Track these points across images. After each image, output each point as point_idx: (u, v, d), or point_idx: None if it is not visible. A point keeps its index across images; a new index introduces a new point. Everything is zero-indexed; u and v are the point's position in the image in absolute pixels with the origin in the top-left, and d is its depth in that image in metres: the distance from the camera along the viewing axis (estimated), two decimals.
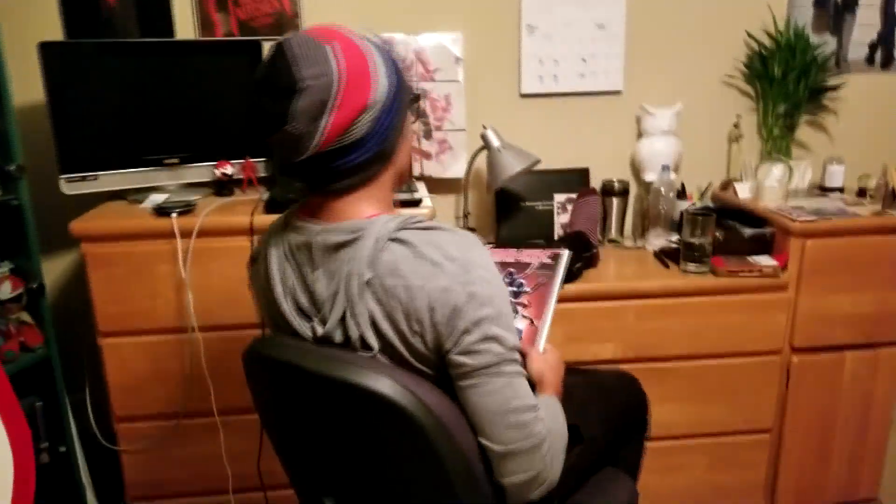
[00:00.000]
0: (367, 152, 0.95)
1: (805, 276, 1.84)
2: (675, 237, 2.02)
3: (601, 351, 1.82)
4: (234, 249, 1.67)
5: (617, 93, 2.16)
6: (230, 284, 1.70)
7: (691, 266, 1.83)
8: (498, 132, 1.93)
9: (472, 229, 2.05)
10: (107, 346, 1.74)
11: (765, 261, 1.85)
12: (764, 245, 1.90)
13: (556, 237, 2.09)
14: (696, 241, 1.82)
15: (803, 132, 2.24)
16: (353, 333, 0.94)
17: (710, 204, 2.13)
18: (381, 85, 0.94)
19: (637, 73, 2.15)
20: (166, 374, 1.77)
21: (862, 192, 2.05)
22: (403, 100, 0.99)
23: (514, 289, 1.37)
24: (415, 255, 0.92)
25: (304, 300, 1.00)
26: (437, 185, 2.12)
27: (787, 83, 2.12)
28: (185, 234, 1.67)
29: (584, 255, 1.84)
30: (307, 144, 0.91)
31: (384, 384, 0.88)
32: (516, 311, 1.32)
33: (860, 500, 2.06)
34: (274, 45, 0.93)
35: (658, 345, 1.85)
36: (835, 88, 2.18)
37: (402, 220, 0.95)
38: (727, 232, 1.90)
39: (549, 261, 1.38)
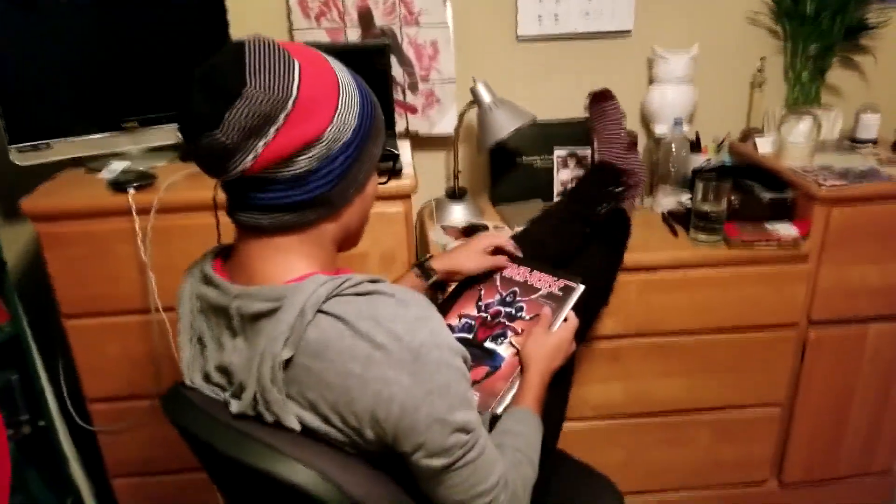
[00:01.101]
0: (306, 193, 0.80)
1: (828, 245, 1.67)
2: (685, 197, 1.84)
3: (602, 326, 1.69)
4: (198, 227, 1.53)
5: (626, 33, 1.93)
6: None
7: (702, 236, 1.67)
8: (489, 86, 1.73)
9: (462, 190, 1.89)
10: (71, 327, 1.64)
11: (784, 229, 1.67)
12: (784, 210, 1.72)
13: (569, 183, 1.92)
14: (708, 208, 1.64)
15: (835, 76, 2.01)
16: (268, 419, 0.80)
17: (727, 159, 1.93)
18: (344, 122, 0.79)
19: (649, 10, 1.91)
20: (136, 355, 1.67)
21: None
22: (369, 151, 0.84)
23: (511, 310, 1.24)
24: (350, 333, 0.76)
25: (212, 369, 0.87)
26: (425, 143, 1.94)
27: (820, 21, 1.87)
28: (144, 211, 1.53)
29: (614, 192, 1.55)
30: (235, 163, 0.76)
31: (301, 474, 0.76)
32: (503, 337, 1.20)
33: (873, 473, 1.96)
34: (231, 42, 0.78)
35: (663, 319, 1.71)
36: (876, 27, 1.93)
37: (335, 283, 0.79)
38: (744, 195, 1.72)
39: (558, 292, 1.24)
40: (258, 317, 0.80)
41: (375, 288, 0.80)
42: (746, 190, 1.75)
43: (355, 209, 0.87)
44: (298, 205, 0.80)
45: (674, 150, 1.82)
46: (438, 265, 1.30)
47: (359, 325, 0.76)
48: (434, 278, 1.30)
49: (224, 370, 0.85)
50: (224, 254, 0.92)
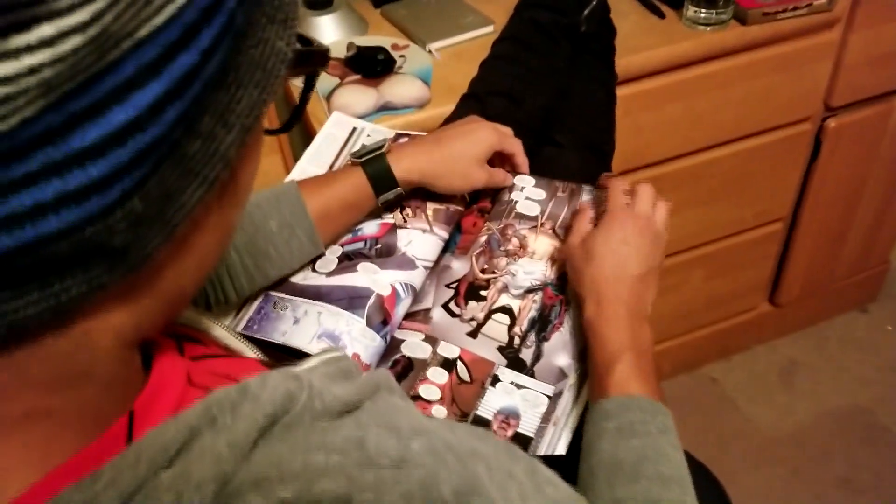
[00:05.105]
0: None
1: (862, 1, 1.18)
2: None
3: None
4: None
5: None
6: None
7: (705, 14, 1.11)
8: None
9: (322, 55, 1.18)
10: None
11: None
12: None
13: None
14: None
15: None
16: None
17: None
18: None
19: None
20: None
21: None
22: (246, 62, 0.27)
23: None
24: None
25: None
26: None
27: None
28: None
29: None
30: None
31: None
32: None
33: (868, 271, 1.68)
34: None
35: (654, 145, 1.21)
36: None
37: None
38: None
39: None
40: None
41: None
42: None
43: (203, 242, 0.30)
44: None
45: None
46: (406, 169, 0.70)
47: None
48: (396, 191, 0.70)
49: None
50: None
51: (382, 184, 0.69)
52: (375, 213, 0.74)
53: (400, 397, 0.36)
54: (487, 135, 0.71)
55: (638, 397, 0.53)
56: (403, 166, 0.69)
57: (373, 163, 0.69)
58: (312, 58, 0.34)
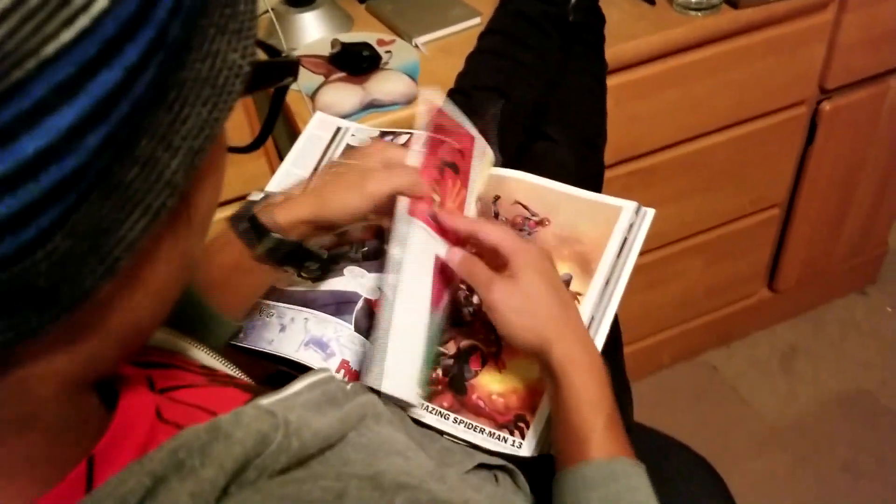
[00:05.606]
0: None
1: None
2: None
3: None
4: None
5: None
6: None
7: None
8: None
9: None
10: None
11: None
12: None
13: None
14: None
15: None
16: None
17: None
18: None
19: None
20: None
21: None
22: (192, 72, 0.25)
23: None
24: None
25: None
26: None
27: None
28: None
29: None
30: None
31: None
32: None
33: (866, 254, 1.66)
34: None
35: (648, 134, 1.19)
36: None
37: None
38: None
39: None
40: None
41: None
42: None
43: (157, 275, 0.28)
44: None
45: None
46: (281, 210, 0.59)
47: None
48: (272, 239, 0.58)
49: None
50: None
51: (250, 236, 0.57)
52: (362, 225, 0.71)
53: (388, 423, 0.34)
54: (381, 149, 0.62)
55: (621, 460, 0.50)
56: (278, 208, 0.59)
57: (236, 216, 0.59)
58: (279, 70, 0.32)
